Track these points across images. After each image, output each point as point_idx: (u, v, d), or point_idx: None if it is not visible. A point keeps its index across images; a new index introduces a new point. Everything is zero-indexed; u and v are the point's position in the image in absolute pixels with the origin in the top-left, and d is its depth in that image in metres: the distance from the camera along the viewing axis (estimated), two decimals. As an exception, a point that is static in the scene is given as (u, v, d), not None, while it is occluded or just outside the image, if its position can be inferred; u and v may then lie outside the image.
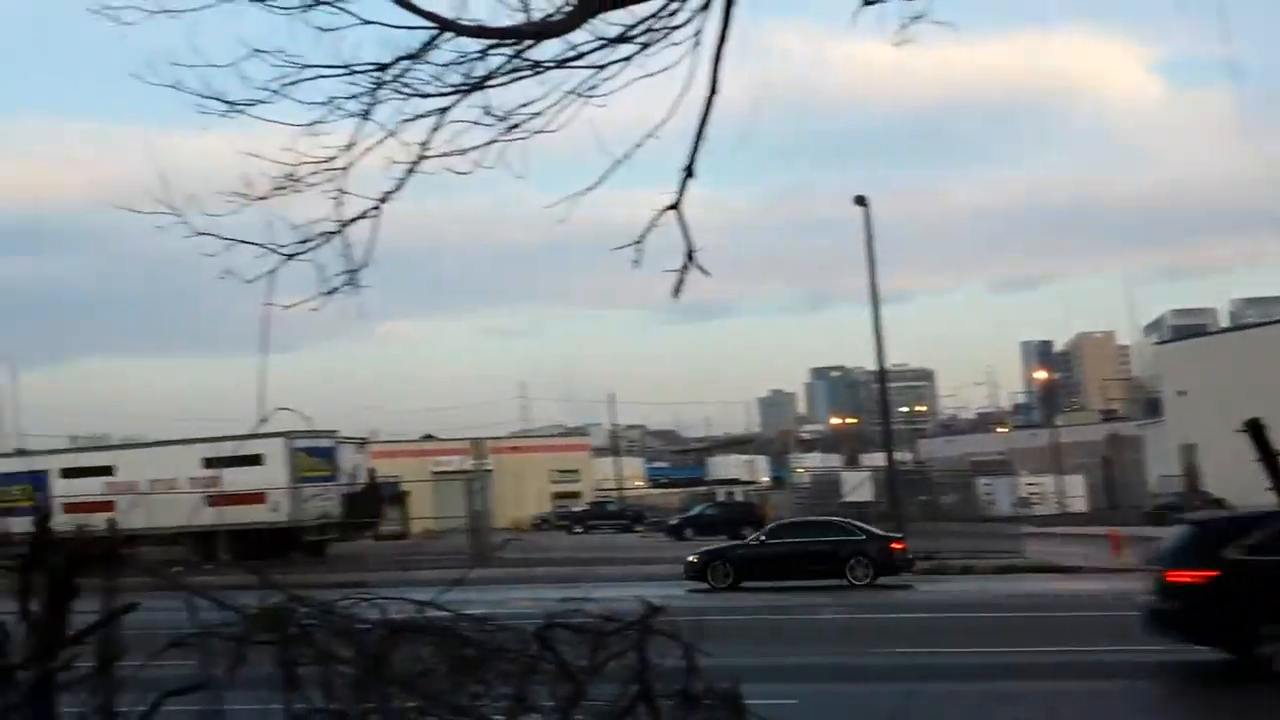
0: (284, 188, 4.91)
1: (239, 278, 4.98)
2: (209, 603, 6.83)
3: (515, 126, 4.94)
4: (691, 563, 27.55)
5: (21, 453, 38.82)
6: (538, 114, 4.96)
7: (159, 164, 4.80)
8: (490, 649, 5.59)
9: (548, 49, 4.94)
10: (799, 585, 26.00)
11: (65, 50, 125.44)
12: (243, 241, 4.93)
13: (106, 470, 40.07)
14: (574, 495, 77.06)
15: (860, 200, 37.24)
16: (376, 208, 5.09)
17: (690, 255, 5.44)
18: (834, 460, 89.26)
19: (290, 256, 4.99)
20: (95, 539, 6.61)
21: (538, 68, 4.91)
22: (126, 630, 6.74)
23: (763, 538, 29.04)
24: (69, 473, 37.10)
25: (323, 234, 5.02)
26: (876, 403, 53.69)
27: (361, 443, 45.86)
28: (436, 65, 5.03)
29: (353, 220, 5.06)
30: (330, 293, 5.09)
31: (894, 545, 28.11)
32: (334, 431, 40.83)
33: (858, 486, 44.49)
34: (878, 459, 52.22)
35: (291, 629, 6.21)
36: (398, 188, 5.06)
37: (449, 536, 45.26)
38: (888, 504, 37.92)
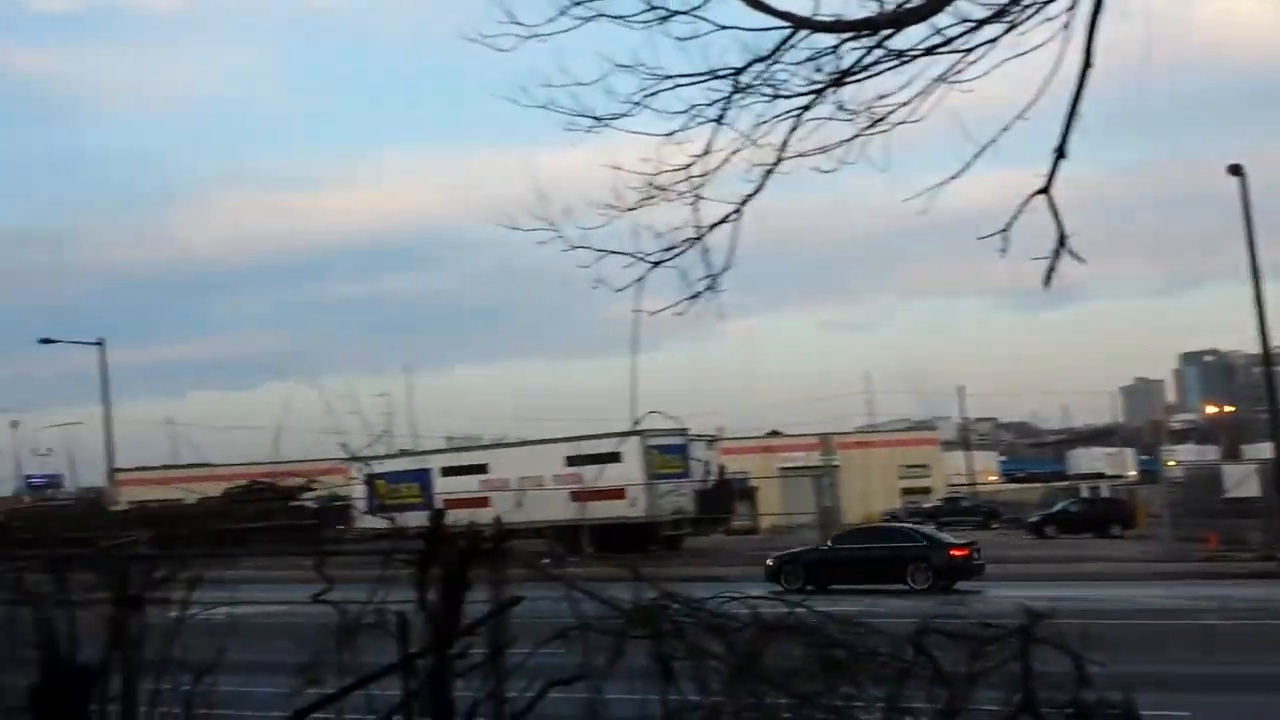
0: (651, 197, 5.02)
1: (609, 286, 5.15)
2: (585, 596, 7.11)
3: (880, 120, 4.82)
4: (769, 565, 29.04)
5: (405, 453, 41.92)
6: (904, 104, 4.82)
7: (535, 182, 5.04)
8: (862, 651, 5.51)
9: (907, 37, 4.81)
10: (878, 588, 25.60)
11: (434, 79, 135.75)
12: (612, 252, 5.07)
13: (481, 468, 42.84)
14: (924, 491, 75.21)
15: (1235, 169, 34.36)
16: (737, 211, 5.12)
17: (1062, 241, 5.15)
18: (1211, 452, 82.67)
19: (656, 264, 5.10)
20: (484, 534, 7.03)
21: (902, 57, 4.77)
22: (513, 620, 7.13)
23: (830, 543, 30.99)
24: (448, 471, 39.87)
25: (686, 240, 5.10)
26: (1258, 388, 49.27)
27: (711, 440, 46.66)
28: (790, 65, 5.00)
29: (714, 225, 5.11)
30: (694, 297, 5.16)
31: (954, 552, 28.58)
32: (685, 429, 41.74)
33: (1242, 481, 40.91)
34: (1263, 450, 47.87)
35: (665, 624, 6.37)
36: (757, 190, 5.08)
37: (798, 532, 45.31)
38: (1277, 499, 34.70)
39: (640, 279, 5.15)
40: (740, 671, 6.14)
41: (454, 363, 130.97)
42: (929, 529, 33.54)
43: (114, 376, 62.79)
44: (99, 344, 58.62)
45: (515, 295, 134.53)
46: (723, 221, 5.14)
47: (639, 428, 40.38)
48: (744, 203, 5.15)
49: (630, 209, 5.03)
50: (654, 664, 6.67)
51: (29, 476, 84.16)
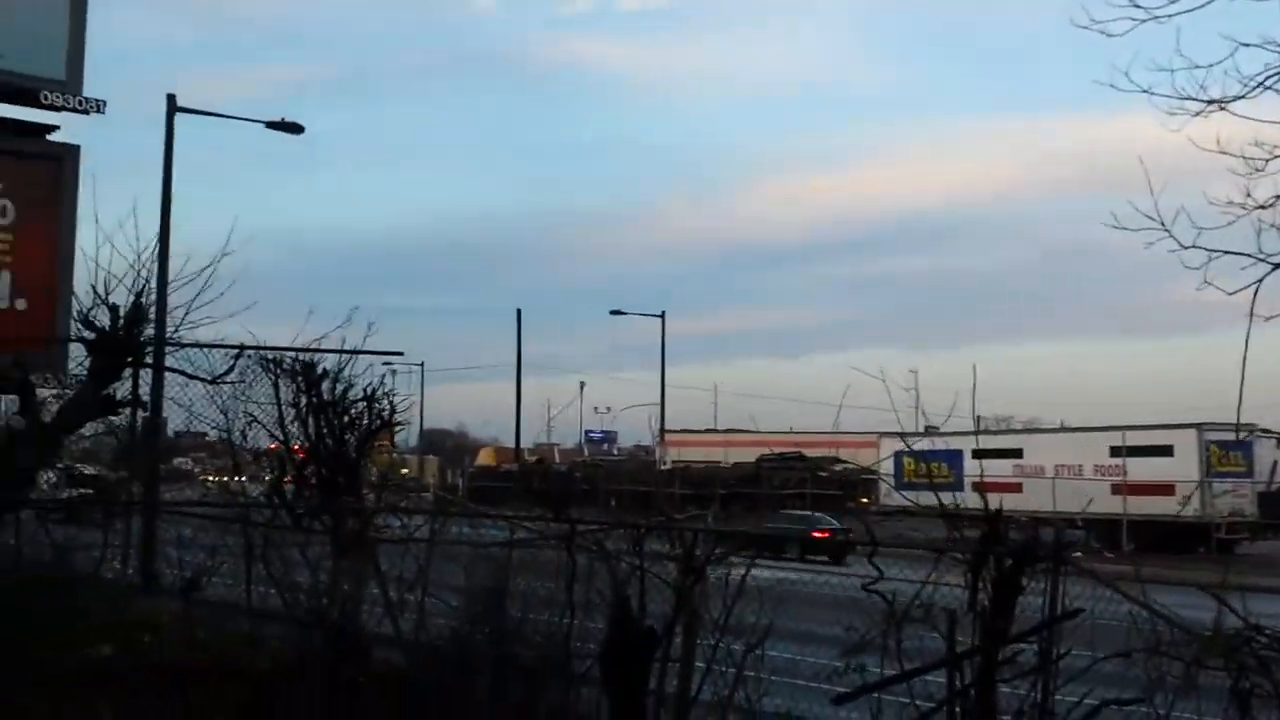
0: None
1: (1220, 290, 4.68)
2: (1153, 613, 6.61)
3: None
4: None
5: (932, 431, 41.45)
6: None
7: (1147, 179, 4.67)
8: None
9: None
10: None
11: (1008, 55, 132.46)
12: (1229, 252, 4.61)
13: (1015, 453, 41.58)
14: None
15: None
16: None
17: None
18: None
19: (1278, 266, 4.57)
20: (1041, 539, 6.75)
21: None
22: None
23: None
24: (979, 454, 38.99)
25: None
26: None
27: (1280, 438, 42.09)
28: None
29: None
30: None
31: (815, 534, 33.56)
32: (1252, 425, 37.96)
33: None
34: None
35: (1248, 658, 5.79)
36: None
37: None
38: None
39: (1259, 282, 4.62)
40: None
41: (990, 341, 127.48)
42: (819, 515, 38.29)
43: (671, 344, 67.75)
44: (661, 316, 63.31)
45: (1061, 273, 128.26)
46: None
47: (1190, 421, 37.40)
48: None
49: (1261, 208, 4.53)
50: (1231, 698, 6.10)
51: (589, 432, 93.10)
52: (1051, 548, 6.71)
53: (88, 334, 10.84)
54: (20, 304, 14.21)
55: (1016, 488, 37.75)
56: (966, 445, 37.27)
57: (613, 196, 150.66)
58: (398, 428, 11.11)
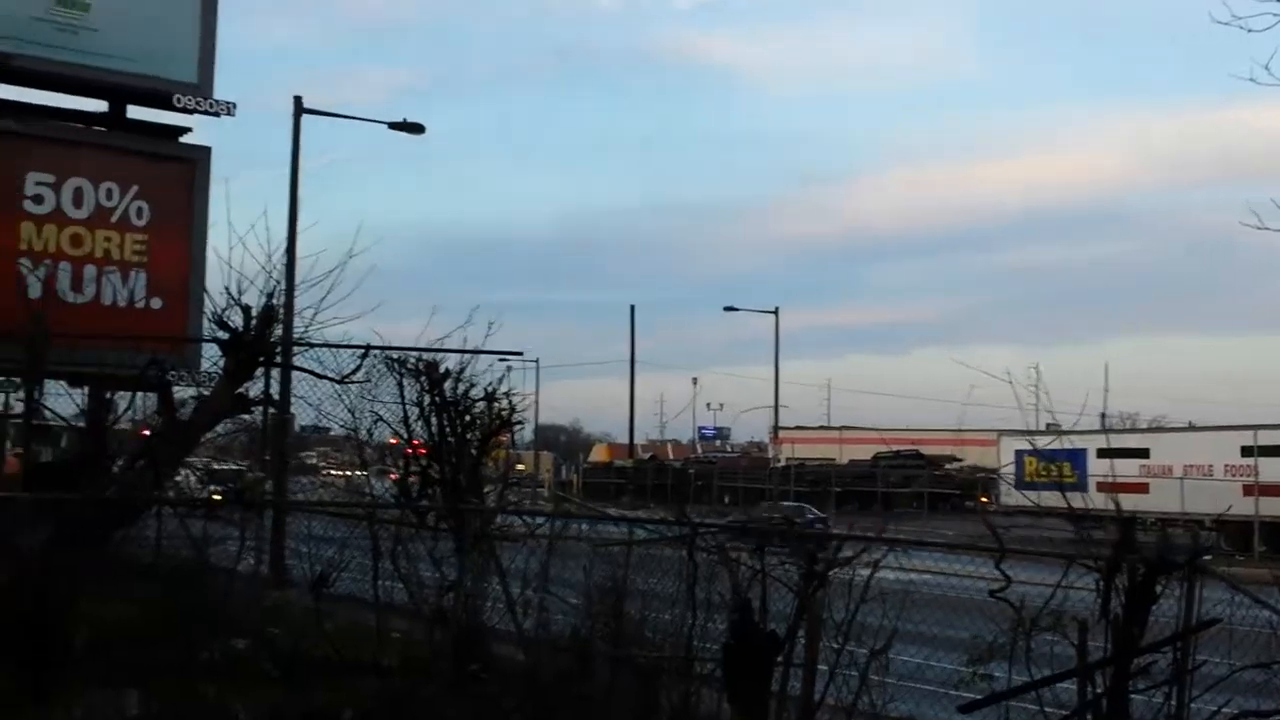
0: None
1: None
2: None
3: None
4: None
5: (1053, 429, 40.45)
6: None
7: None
8: None
9: None
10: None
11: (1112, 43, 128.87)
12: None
13: (1142, 453, 40.37)
14: None
15: None
16: None
17: None
18: None
19: None
20: (1177, 547, 6.57)
21: None
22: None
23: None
24: (1104, 453, 38.08)
25: None
26: None
27: None
28: None
29: None
30: None
31: None
32: (1393, 423, 36.38)
33: None
34: None
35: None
36: None
37: None
38: None
39: None
40: None
41: (1112, 336, 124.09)
42: (804, 506, 36.40)
43: (784, 339, 67.40)
44: (774, 312, 62.92)
45: (1185, 267, 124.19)
46: None
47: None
48: None
49: None
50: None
51: (702, 428, 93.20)
52: (1187, 553, 6.52)
53: (222, 334, 11.15)
54: (155, 303, 14.70)
55: (1143, 488, 36.72)
56: (1091, 444, 36.33)
57: (727, 190, 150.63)
58: (516, 426, 11.25)
